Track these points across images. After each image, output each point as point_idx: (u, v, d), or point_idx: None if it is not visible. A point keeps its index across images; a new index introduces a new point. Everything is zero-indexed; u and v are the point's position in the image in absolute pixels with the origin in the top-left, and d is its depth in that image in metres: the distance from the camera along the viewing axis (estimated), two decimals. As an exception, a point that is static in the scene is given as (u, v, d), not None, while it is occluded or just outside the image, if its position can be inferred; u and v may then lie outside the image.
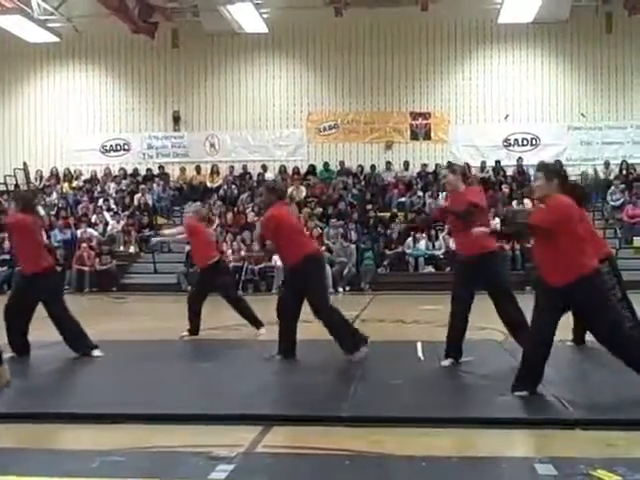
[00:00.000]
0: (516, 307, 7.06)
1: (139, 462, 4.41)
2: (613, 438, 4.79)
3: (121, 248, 20.22)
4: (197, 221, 10.19)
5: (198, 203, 12.78)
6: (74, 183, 23.20)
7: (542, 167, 5.82)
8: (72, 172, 23.42)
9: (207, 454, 4.34)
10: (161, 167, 23.28)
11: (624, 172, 21.72)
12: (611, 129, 22.34)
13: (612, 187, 21.01)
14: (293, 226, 7.66)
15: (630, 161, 21.86)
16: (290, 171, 22.73)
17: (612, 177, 21.61)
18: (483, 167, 22.33)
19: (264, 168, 22.87)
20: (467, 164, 22.05)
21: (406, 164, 22.58)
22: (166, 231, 14.47)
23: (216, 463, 4.12)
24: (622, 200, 20.55)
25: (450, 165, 7.46)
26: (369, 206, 21.11)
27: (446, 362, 7.07)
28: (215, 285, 9.76)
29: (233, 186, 22.42)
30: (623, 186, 20.87)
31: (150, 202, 22.04)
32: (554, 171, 5.82)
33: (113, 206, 21.60)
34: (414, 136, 22.92)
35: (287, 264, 7.64)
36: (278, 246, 7.65)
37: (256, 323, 9.59)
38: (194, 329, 9.50)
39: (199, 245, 9.87)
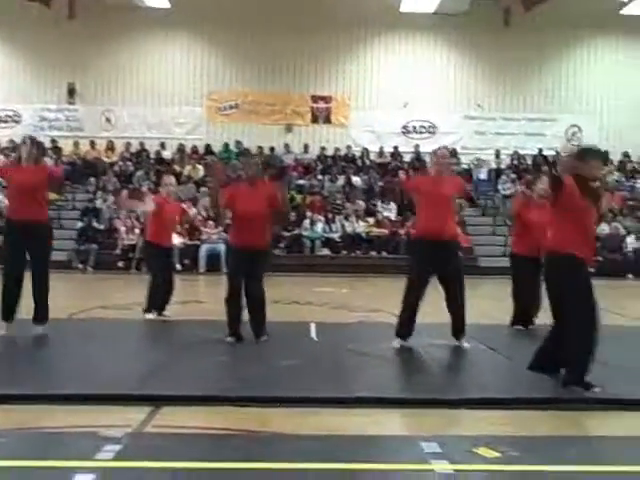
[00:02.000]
0: None
1: (23, 443, 4.30)
2: (496, 417, 4.98)
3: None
4: None
5: None
6: (-41, 154, 22.18)
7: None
8: (-43, 142, 22.38)
9: (94, 434, 4.27)
10: (54, 141, 22.43)
11: (515, 162, 22.47)
12: (505, 120, 23.03)
13: (503, 176, 21.71)
14: None
15: (521, 152, 22.62)
16: (188, 150, 22.44)
17: (504, 167, 22.34)
18: (381, 152, 22.65)
19: (162, 146, 22.50)
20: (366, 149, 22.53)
21: (306, 147, 22.65)
22: None
23: (103, 443, 4.05)
24: (512, 190, 21.22)
25: None
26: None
27: None
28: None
29: (129, 163, 21.94)
30: (514, 176, 21.58)
31: (41, 176, 21.30)
32: None
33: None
34: (315, 119, 23.01)
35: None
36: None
37: (154, 306, 9.28)
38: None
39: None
